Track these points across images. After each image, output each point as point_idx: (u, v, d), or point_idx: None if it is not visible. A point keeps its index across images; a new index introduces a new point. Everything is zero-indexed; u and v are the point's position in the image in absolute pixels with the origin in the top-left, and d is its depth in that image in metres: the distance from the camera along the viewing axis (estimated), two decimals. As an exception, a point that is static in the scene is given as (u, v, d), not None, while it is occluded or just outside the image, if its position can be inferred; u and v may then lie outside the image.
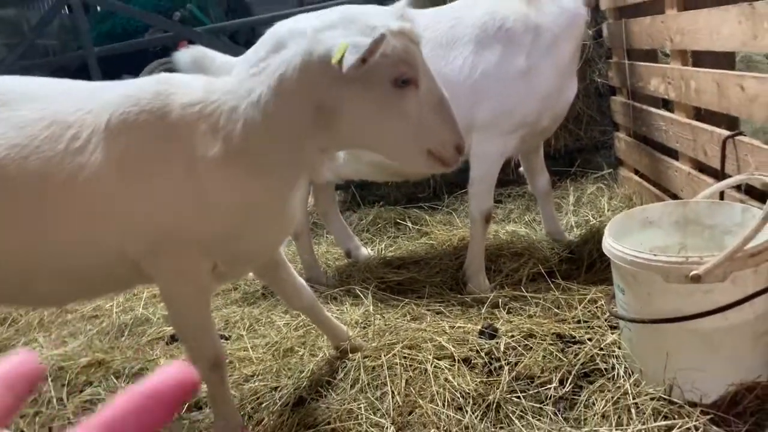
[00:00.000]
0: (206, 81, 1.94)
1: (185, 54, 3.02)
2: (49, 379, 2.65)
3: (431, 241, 3.68)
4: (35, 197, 1.83)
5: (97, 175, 1.81)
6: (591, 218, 3.55)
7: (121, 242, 1.86)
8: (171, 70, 2.34)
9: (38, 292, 2.00)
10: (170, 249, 1.87)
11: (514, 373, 2.15)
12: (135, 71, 6.28)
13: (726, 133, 2.31)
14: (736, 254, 1.77)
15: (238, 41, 5.26)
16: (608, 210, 3.58)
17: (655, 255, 1.89)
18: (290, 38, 2.96)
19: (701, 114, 2.63)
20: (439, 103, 1.79)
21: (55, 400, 2.52)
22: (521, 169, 3.36)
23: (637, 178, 3.57)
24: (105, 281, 2.03)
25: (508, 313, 2.62)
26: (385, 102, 1.73)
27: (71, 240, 1.86)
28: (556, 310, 2.57)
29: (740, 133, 2.27)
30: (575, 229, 3.48)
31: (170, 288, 1.96)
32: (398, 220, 4.06)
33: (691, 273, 1.80)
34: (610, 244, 2.02)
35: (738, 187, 2.28)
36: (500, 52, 2.75)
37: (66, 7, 8.40)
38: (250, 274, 3.52)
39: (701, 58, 2.56)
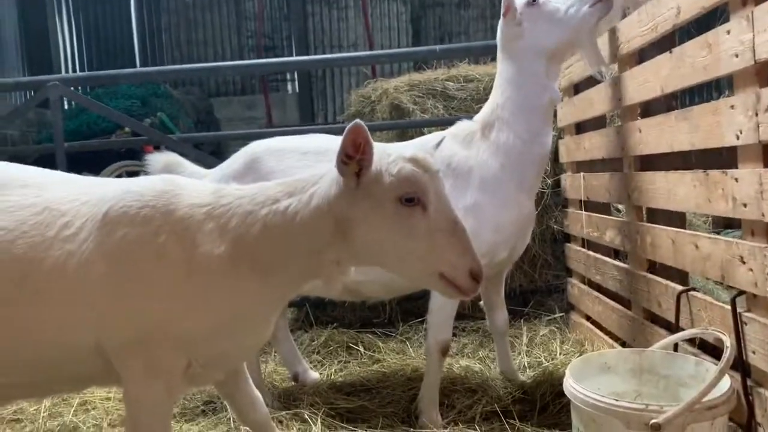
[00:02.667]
0: (214, 186, 2.00)
1: (158, 158, 3.06)
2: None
3: (383, 369, 3.62)
4: (17, 282, 1.79)
5: (86, 263, 1.80)
6: (543, 360, 3.57)
7: (99, 335, 1.81)
8: (133, 173, 2.37)
9: None
10: (150, 344, 1.81)
11: None
12: (96, 169, 6.29)
13: (680, 287, 2.42)
14: (695, 406, 1.81)
15: (205, 151, 5.40)
16: (560, 353, 3.61)
17: (616, 400, 1.91)
18: (267, 155, 3.11)
19: (655, 267, 2.76)
20: (452, 228, 1.83)
21: None
22: (482, 303, 3.41)
23: (588, 324, 3.66)
24: (67, 376, 1.94)
25: (462, 452, 2.55)
26: (392, 219, 1.79)
27: (48, 328, 1.81)
28: (510, 451, 2.52)
29: (693, 289, 2.39)
30: (528, 370, 3.49)
31: (138, 386, 1.87)
32: (351, 344, 3.99)
33: (652, 422, 1.82)
34: (572, 386, 2.04)
35: (691, 341, 2.36)
36: (449, 187, 2.89)
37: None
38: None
39: (656, 215, 2.73)
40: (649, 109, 2.75)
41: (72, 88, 4.76)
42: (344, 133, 1.77)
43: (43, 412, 3.13)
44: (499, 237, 2.85)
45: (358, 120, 1.78)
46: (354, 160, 1.79)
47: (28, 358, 1.85)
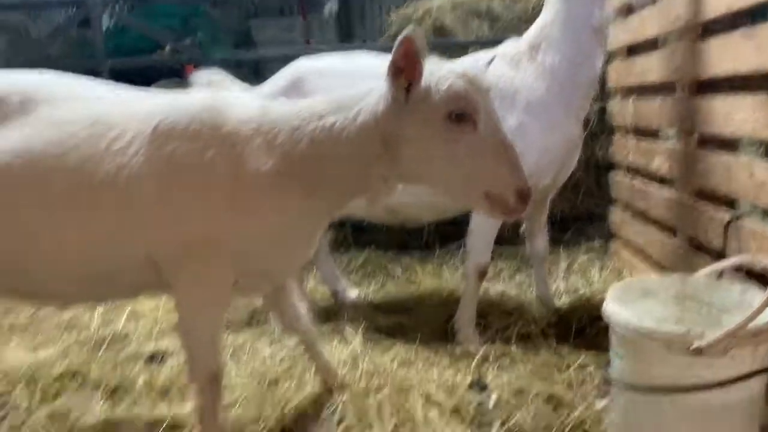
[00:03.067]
0: (261, 102, 1.99)
1: (204, 75, 3.05)
2: (21, 385, 2.55)
3: (420, 291, 3.68)
4: (70, 193, 1.84)
5: (136, 177, 1.83)
6: (580, 287, 3.57)
7: (151, 246, 1.87)
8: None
9: (50, 286, 1.97)
10: (200, 256, 1.87)
11: (504, 429, 2.13)
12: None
13: (729, 215, 2.37)
14: (739, 331, 1.80)
15: (245, 72, 5.38)
16: (598, 281, 3.61)
17: (658, 324, 1.91)
18: (312, 74, 3.09)
19: (703, 195, 2.70)
20: (501, 147, 1.80)
21: (23, 408, 2.42)
22: (522, 228, 3.39)
23: (629, 252, 3.63)
24: (122, 285, 2.01)
25: (498, 368, 2.61)
26: (441, 136, 1.77)
27: (100, 239, 1.87)
28: (545, 370, 2.56)
29: (743, 216, 2.33)
30: (564, 296, 3.50)
31: (189, 295, 1.94)
32: (388, 266, 4.06)
33: (693, 346, 1.82)
34: (613, 309, 2.04)
35: (738, 269, 2.32)
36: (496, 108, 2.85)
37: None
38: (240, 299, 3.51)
39: (707, 141, 2.64)
40: (710, 29, 2.62)
41: (111, 8, 4.72)
42: (396, 44, 1.72)
43: (96, 320, 3.28)
44: (544, 160, 2.81)
45: (411, 27, 1.72)
46: (404, 73, 1.75)
47: (84, 267, 1.92)
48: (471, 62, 2.83)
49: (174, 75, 6.81)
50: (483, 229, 2.91)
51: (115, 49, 7.13)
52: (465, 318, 2.97)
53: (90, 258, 1.90)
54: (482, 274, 2.96)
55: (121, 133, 1.89)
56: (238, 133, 1.88)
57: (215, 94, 2.02)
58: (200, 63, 4.75)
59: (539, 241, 3.29)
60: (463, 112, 1.76)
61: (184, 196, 1.85)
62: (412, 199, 2.89)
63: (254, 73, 8.19)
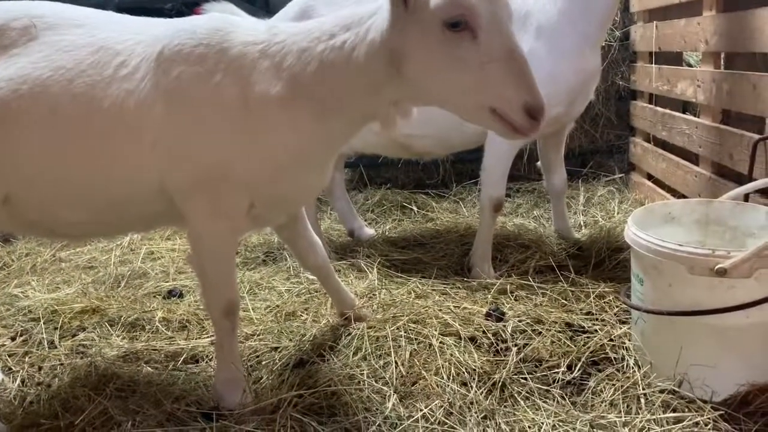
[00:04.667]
0: (269, 23, 1.92)
1: (216, 7, 2.98)
2: (42, 322, 2.58)
3: (437, 227, 3.65)
4: (78, 120, 1.82)
5: (145, 102, 1.80)
6: (600, 219, 3.52)
7: (163, 173, 1.84)
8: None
9: (66, 219, 1.96)
10: (212, 184, 1.83)
11: (521, 356, 2.12)
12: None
13: (757, 136, 2.28)
14: (764, 251, 1.75)
15: (255, 5, 5.26)
16: (618, 213, 3.55)
17: (680, 245, 1.86)
18: (321, 2, 2.99)
19: (728, 120, 2.60)
20: (507, 57, 1.63)
21: (46, 342, 2.46)
22: (539, 163, 3.32)
23: (650, 183, 3.55)
24: (135, 215, 1.99)
25: (515, 300, 2.59)
26: (439, 47, 1.65)
27: (111, 167, 1.85)
28: (563, 300, 2.54)
29: (771, 137, 2.25)
30: (583, 228, 3.46)
31: (203, 224, 1.91)
32: (404, 204, 4.02)
33: (717, 266, 1.77)
34: (634, 233, 1.99)
35: (763, 192, 2.25)
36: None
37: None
38: (254, 237, 3.51)
39: (734, 61, 2.53)
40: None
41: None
42: None
43: (114, 260, 3.31)
44: (555, 89, 2.65)
45: None
46: None
47: (99, 195, 1.90)
48: None
49: (181, 15, 6.70)
50: (496, 161, 2.85)
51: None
52: (480, 253, 2.93)
53: (102, 185, 1.88)
54: (497, 207, 2.91)
55: (128, 59, 1.85)
56: (245, 56, 1.82)
57: (220, 17, 1.95)
58: (209, 1, 4.62)
59: (557, 176, 3.22)
60: (459, 19, 1.61)
61: (192, 123, 1.81)
62: (422, 131, 2.82)
63: (265, 9, 8.04)
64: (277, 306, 2.61)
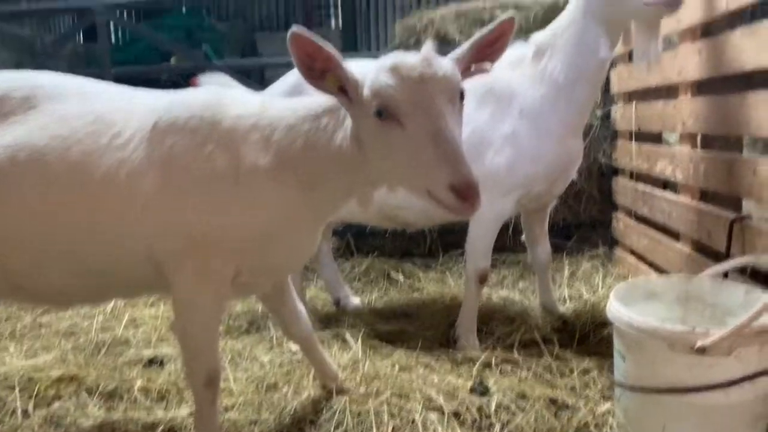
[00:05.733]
0: (261, 98, 1.99)
1: (212, 79, 3.08)
2: (17, 389, 2.52)
3: (423, 297, 3.66)
4: (72, 187, 1.86)
5: (137, 171, 1.84)
6: (585, 293, 3.54)
7: (152, 240, 1.86)
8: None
9: (52, 284, 1.97)
10: (199, 251, 1.86)
11: (505, 432, 2.09)
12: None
13: (733, 215, 2.34)
14: (743, 330, 1.77)
15: (250, 78, 5.42)
16: (602, 287, 3.57)
17: (661, 323, 1.87)
18: None
19: (706, 198, 2.67)
20: (432, 140, 1.62)
21: (19, 412, 2.40)
22: (523, 237, 3.36)
23: (633, 258, 3.60)
24: (122, 281, 2.00)
25: (500, 374, 2.57)
26: (375, 135, 1.71)
27: (102, 233, 1.87)
28: (548, 375, 2.53)
29: (747, 217, 2.30)
30: (568, 302, 3.47)
31: (188, 291, 1.91)
32: (391, 273, 4.03)
33: (697, 344, 1.78)
34: (616, 309, 2.00)
35: (742, 270, 2.29)
36: (490, 113, 2.80)
37: (81, 34, 8.57)
38: (238, 305, 3.49)
39: (711, 142, 2.62)
40: (710, 30, 2.61)
41: (118, 17, 4.76)
42: (290, 48, 1.67)
43: (96, 326, 3.27)
44: (536, 168, 2.76)
45: (295, 26, 1.67)
46: (321, 72, 1.70)
47: (88, 261, 1.92)
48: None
49: (178, 88, 6.87)
50: (481, 233, 2.89)
51: (122, 63, 7.22)
52: (466, 324, 2.93)
53: (91, 252, 1.90)
54: (482, 279, 2.93)
55: (123, 129, 1.91)
56: (236, 129, 1.88)
57: (215, 90, 2.02)
58: (205, 72, 4.76)
59: (541, 249, 3.25)
60: (383, 109, 1.65)
61: (182, 192, 1.84)
62: (404, 203, 2.87)
63: (260, 82, 8.27)
64: (259, 377, 2.57)
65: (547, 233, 3.28)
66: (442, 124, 1.64)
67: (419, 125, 1.64)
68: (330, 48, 1.70)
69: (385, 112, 1.65)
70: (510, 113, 2.77)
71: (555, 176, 2.85)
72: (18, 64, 6.97)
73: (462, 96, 1.73)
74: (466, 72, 1.83)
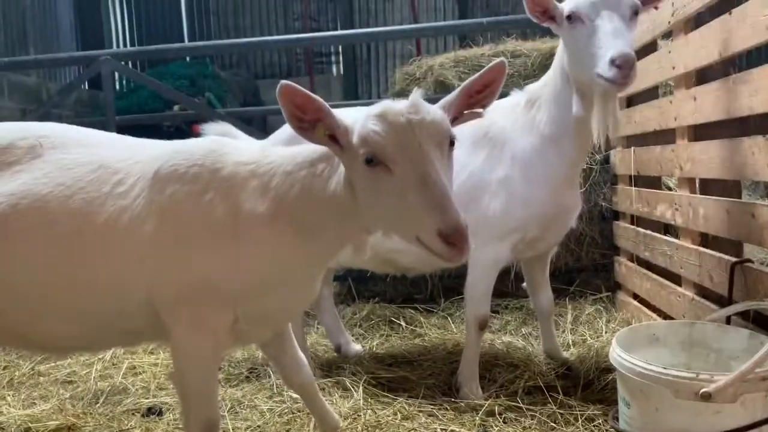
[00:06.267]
0: (261, 145, 2.01)
1: (213, 128, 3.12)
2: (13, 440, 2.49)
3: (425, 343, 3.62)
4: (73, 235, 1.87)
5: (137, 219, 1.86)
6: (588, 338, 3.51)
7: (150, 288, 1.86)
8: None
9: (52, 332, 1.97)
10: (197, 298, 1.85)
11: (509, 482, 2.05)
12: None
13: (734, 259, 2.34)
14: (748, 375, 1.75)
15: (252, 125, 5.50)
16: (606, 332, 3.54)
17: (665, 368, 1.85)
18: None
19: (707, 242, 2.67)
20: (420, 186, 1.62)
21: (15, 463, 2.36)
22: (524, 284, 3.35)
23: (636, 303, 3.58)
24: (121, 329, 1.99)
25: (504, 422, 2.53)
26: (364, 182, 1.71)
27: (101, 280, 1.88)
28: (552, 423, 2.48)
29: (748, 260, 2.30)
30: (572, 347, 3.44)
31: (186, 340, 1.90)
32: (392, 319, 4.01)
33: (702, 390, 1.76)
34: (619, 355, 1.99)
35: (745, 315, 2.28)
36: (485, 156, 2.82)
37: (86, 82, 8.72)
38: (238, 352, 3.46)
39: (709, 186, 2.64)
40: (704, 76, 2.65)
41: (123, 64, 4.85)
42: (279, 100, 1.68)
43: (94, 374, 3.24)
44: (528, 213, 2.74)
45: (283, 81, 1.69)
46: (311, 123, 1.72)
47: (84, 308, 1.92)
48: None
49: (181, 134, 6.96)
50: (479, 279, 2.87)
51: (125, 110, 7.33)
52: (468, 372, 2.89)
53: (91, 299, 1.90)
54: (482, 325, 2.90)
55: (125, 177, 1.93)
56: (235, 176, 1.90)
57: (216, 139, 2.06)
58: (208, 121, 4.83)
59: (543, 295, 3.23)
60: (370, 156, 1.66)
61: (182, 239, 1.85)
62: (400, 247, 2.86)
63: (263, 129, 8.38)
64: (258, 426, 2.55)
65: (548, 280, 3.26)
66: (430, 169, 1.63)
67: (406, 171, 1.64)
68: (318, 99, 1.72)
69: (373, 158, 1.65)
70: (503, 158, 2.80)
71: (548, 223, 2.83)
72: (23, 112, 7.11)
73: (452, 142, 1.74)
74: (458, 117, 1.85)
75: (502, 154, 2.80)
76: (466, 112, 1.87)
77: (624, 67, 2.27)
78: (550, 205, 2.79)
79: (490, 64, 1.85)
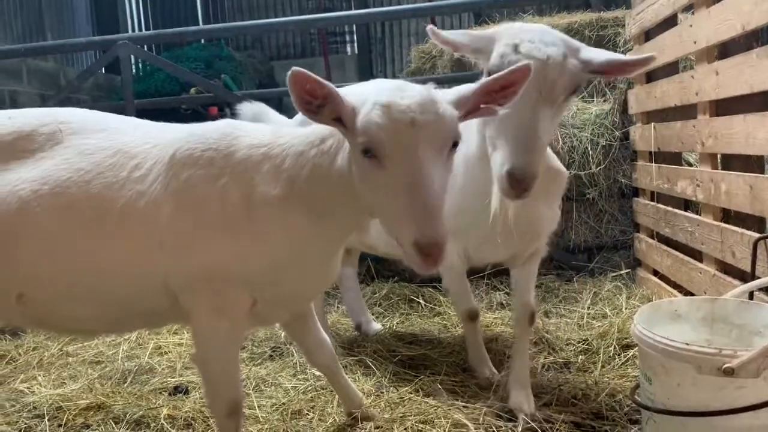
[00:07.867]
0: (274, 127, 2.02)
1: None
2: (46, 419, 2.56)
3: (444, 321, 3.65)
4: (92, 219, 1.89)
5: (155, 203, 1.88)
6: (609, 314, 3.51)
7: (168, 271, 1.89)
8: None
9: (74, 315, 2.01)
10: (214, 282, 1.87)
11: (532, 457, 2.07)
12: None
13: (757, 235, 2.32)
14: (772, 351, 1.75)
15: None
16: (626, 309, 3.54)
17: (687, 344, 1.86)
18: None
19: (729, 217, 2.66)
20: (408, 191, 1.57)
21: (48, 440, 2.43)
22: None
23: (656, 279, 3.57)
24: (141, 312, 2.03)
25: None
26: (361, 167, 1.68)
27: (120, 264, 1.90)
28: (573, 399, 2.51)
29: (771, 236, 2.29)
30: (593, 322, 3.44)
31: (206, 323, 1.93)
32: (412, 297, 4.03)
33: (725, 366, 1.76)
34: (640, 331, 1.99)
35: (767, 290, 2.27)
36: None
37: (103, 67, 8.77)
38: (261, 332, 3.51)
39: (731, 162, 2.62)
40: (727, 50, 2.62)
41: (139, 47, 4.88)
42: (289, 86, 1.63)
43: (121, 355, 3.31)
44: (460, 221, 2.44)
45: (294, 68, 1.62)
46: (318, 107, 1.67)
47: (105, 291, 1.95)
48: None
49: (197, 119, 6.99)
50: (448, 280, 2.81)
51: (142, 94, 7.37)
52: (475, 359, 2.88)
53: (111, 282, 1.93)
54: (473, 317, 2.86)
55: (142, 161, 1.95)
56: (249, 159, 1.91)
57: (230, 122, 2.06)
58: (225, 103, 4.86)
59: (520, 304, 2.74)
60: (368, 147, 1.62)
61: (198, 223, 1.87)
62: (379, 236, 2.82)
63: (277, 110, 8.38)
64: (283, 404, 2.59)
65: (530, 293, 2.77)
66: (422, 177, 1.57)
67: (398, 173, 1.59)
68: (327, 84, 1.67)
69: (370, 150, 1.62)
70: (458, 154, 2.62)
71: (493, 234, 2.46)
72: (43, 97, 7.17)
73: (456, 143, 1.69)
74: (472, 112, 1.79)
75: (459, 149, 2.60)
76: (482, 106, 1.80)
77: None
78: (475, 219, 2.47)
79: (517, 65, 1.77)
